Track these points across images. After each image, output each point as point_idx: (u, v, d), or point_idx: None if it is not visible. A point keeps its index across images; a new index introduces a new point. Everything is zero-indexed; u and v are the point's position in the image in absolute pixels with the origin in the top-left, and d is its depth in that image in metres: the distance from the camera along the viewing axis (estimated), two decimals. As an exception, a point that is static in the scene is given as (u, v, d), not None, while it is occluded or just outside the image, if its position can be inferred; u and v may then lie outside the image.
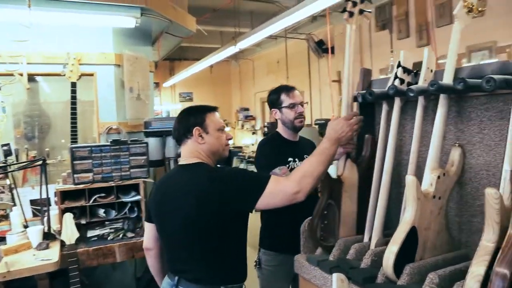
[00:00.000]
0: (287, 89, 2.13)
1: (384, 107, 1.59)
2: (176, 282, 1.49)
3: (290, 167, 2.03)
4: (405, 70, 1.50)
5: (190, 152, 1.54)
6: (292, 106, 2.08)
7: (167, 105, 9.60)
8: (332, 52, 5.93)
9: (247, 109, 8.98)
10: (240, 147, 8.77)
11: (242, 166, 7.86)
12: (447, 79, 1.34)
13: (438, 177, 1.30)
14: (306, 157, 1.97)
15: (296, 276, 1.97)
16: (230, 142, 1.70)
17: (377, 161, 1.58)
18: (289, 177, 1.41)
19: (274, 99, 2.15)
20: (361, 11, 1.55)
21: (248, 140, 8.83)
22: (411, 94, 1.34)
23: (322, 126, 5.73)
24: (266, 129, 6.87)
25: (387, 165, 1.49)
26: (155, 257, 1.68)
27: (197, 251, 1.49)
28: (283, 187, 1.40)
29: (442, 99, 1.35)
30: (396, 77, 1.48)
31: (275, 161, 2.00)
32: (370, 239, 1.51)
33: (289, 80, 7.23)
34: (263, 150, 2.17)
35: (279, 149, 2.11)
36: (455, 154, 1.38)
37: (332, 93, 5.92)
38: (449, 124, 1.44)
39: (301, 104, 2.12)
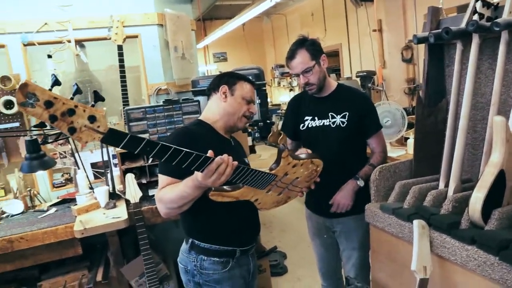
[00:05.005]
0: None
1: (459, 46, 1.49)
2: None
3: (306, 126, 1.95)
4: (485, 3, 1.38)
5: (208, 109, 1.61)
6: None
7: (201, 66, 9.54)
8: (372, 0, 5.63)
9: (282, 66, 8.76)
10: (278, 105, 8.69)
11: (280, 123, 7.80)
12: (538, 9, 1.23)
13: (527, 117, 1.22)
14: (332, 114, 1.88)
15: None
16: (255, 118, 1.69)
17: (452, 105, 1.51)
18: (160, 193, 1.42)
19: None
20: None
21: (285, 98, 8.71)
22: (497, 29, 1.23)
23: (364, 78, 5.54)
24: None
25: (464, 109, 1.42)
26: None
27: None
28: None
29: (532, 32, 1.24)
30: (475, 11, 1.37)
31: (292, 122, 2.03)
32: (445, 185, 1.46)
33: (327, 33, 6.97)
34: (286, 110, 2.18)
35: (298, 109, 2.02)
36: (544, 92, 1.28)
37: (373, 43, 5.68)
38: (536, 60, 1.33)
39: (303, 73, 1.82)
